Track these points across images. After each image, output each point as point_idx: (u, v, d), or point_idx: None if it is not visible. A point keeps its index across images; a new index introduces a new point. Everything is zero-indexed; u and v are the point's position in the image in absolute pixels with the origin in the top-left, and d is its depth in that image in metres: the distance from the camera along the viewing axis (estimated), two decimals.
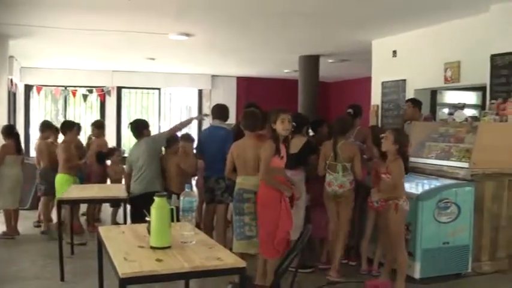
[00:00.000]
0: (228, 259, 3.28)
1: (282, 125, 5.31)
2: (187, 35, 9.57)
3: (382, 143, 5.56)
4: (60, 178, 7.76)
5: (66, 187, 7.25)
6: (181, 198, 3.60)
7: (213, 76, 16.95)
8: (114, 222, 8.23)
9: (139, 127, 6.65)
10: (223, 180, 6.49)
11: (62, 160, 7.78)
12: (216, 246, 3.59)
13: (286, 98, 14.40)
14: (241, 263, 3.24)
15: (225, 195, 6.60)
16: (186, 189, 3.64)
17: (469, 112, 8.24)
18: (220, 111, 7.01)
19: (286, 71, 14.96)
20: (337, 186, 5.98)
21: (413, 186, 6.17)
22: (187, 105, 17.55)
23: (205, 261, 3.19)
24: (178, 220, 3.65)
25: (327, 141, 6.21)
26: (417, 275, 5.83)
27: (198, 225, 5.73)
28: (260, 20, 8.53)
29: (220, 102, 7.43)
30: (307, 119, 7.13)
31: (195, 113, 17.16)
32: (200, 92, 17.31)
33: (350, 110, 7.22)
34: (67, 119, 14.49)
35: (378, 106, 10.02)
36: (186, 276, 3.17)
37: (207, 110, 16.39)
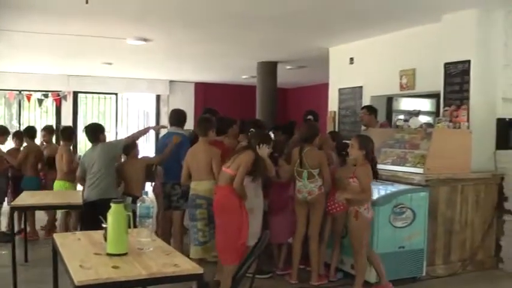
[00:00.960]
0: (186, 265, 3.27)
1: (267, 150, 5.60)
2: (145, 40, 9.50)
3: (349, 151, 5.62)
4: (59, 185, 7.64)
5: None
6: (138, 204, 3.58)
7: (171, 81, 16.85)
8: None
9: (95, 131, 6.54)
10: (179, 186, 6.48)
11: (65, 165, 7.67)
12: (173, 252, 3.57)
13: (244, 104, 14.47)
14: (199, 269, 3.24)
15: (181, 201, 6.59)
16: (143, 195, 3.62)
17: (424, 119, 8.40)
18: (176, 117, 6.99)
19: (244, 77, 14.97)
20: (306, 193, 6.00)
21: None
22: (145, 110, 17.40)
23: (162, 268, 3.18)
24: (135, 226, 3.62)
25: (295, 148, 6.24)
26: (373, 279, 5.91)
27: (155, 232, 5.72)
28: (218, 25, 8.53)
29: (177, 108, 7.38)
30: (265, 126, 7.15)
31: (152, 119, 17.06)
32: (158, 97, 17.15)
33: (310, 117, 7.26)
34: (22, 123, 14.20)
35: (335, 112, 10.12)
36: (143, 283, 3.14)
37: (164, 115, 16.33)
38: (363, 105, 8.69)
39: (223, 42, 9.98)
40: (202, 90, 17.19)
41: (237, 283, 3.69)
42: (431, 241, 6.42)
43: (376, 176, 5.61)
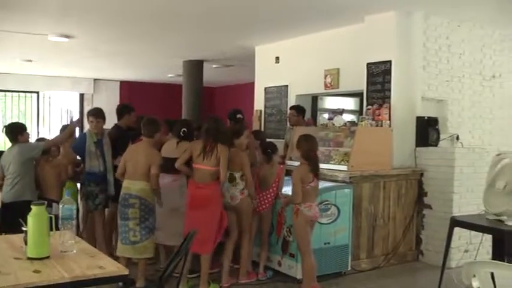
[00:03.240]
0: (111, 267, 3.21)
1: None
2: (68, 36, 9.24)
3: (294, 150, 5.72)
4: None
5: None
6: (60, 206, 3.48)
7: (96, 80, 16.51)
8: None
9: (14, 131, 6.32)
10: (84, 187, 6.56)
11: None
12: (98, 254, 3.50)
13: (170, 103, 14.34)
14: (124, 270, 3.19)
15: (89, 202, 6.58)
16: (66, 196, 3.53)
17: (348, 117, 8.58)
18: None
19: (170, 75, 14.86)
20: (229, 198, 5.92)
21: None
22: (68, 109, 16.91)
23: (86, 270, 3.11)
24: (57, 229, 3.52)
25: None
26: (299, 275, 5.98)
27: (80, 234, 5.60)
28: (142, 23, 8.41)
29: (97, 106, 7.23)
30: (193, 125, 7.07)
31: (76, 118, 16.58)
32: (82, 96, 16.76)
33: (240, 116, 7.27)
34: None
35: (260, 111, 10.19)
36: (66, 286, 3.05)
37: None
38: (290, 105, 8.74)
39: (148, 40, 9.85)
40: (128, 88, 16.95)
41: (163, 283, 3.65)
42: (356, 236, 6.59)
43: (315, 175, 5.55)
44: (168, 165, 6.05)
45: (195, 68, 12.05)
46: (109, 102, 14.47)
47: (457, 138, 7.65)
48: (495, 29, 8.23)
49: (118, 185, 6.08)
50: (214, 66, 12.62)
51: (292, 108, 8.32)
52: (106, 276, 3.12)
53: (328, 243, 6.21)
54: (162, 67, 13.54)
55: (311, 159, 5.50)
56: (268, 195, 6.15)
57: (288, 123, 8.47)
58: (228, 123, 7.05)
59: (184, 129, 6.23)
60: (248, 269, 6.25)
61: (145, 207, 5.61)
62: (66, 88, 16.22)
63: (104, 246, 6.42)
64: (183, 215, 5.97)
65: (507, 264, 3.54)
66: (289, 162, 7.05)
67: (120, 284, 3.29)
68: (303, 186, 5.42)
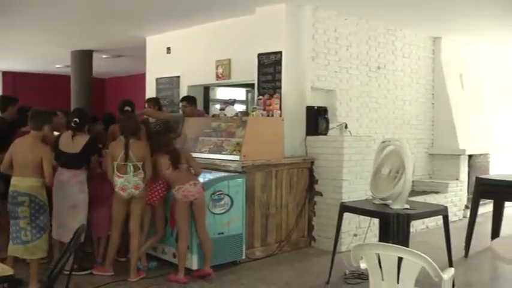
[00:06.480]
0: None
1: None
2: None
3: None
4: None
5: None
6: None
7: None
8: None
9: None
10: None
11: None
12: None
13: (58, 94, 13.85)
14: (8, 271, 3.03)
15: None
16: None
17: (240, 107, 8.64)
18: None
19: (58, 66, 14.33)
20: (132, 188, 5.74)
21: None
22: None
23: None
24: None
25: (114, 142, 6.00)
26: (195, 266, 5.97)
27: None
28: (27, 10, 8.01)
29: None
30: (89, 117, 6.81)
31: None
32: None
33: (128, 108, 7.09)
34: None
35: None
36: None
37: None
38: (181, 97, 8.67)
39: (33, 28, 9.43)
40: (11, 79, 16.21)
41: (53, 281, 3.50)
42: (249, 225, 6.65)
43: (173, 164, 5.79)
44: (65, 160, 5.85)
45: (83, 58, 11.74)
46: None
47: (346, 126, 7.94)
48: (379, 23, 8.61)
49: (8, 180, 5.71)
50: (104, 56, 12.31)
51: (182, 100, 8.20)
52: None
53: (222, 233, 6.23)
54: (49, 57, 13.03)
55: (170, 153, 5.80)
56: (158, 187, 6.07)
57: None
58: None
59: (76, 119, 5.97)
60: (143, 263, 6.16)
61: (35, 204, 5.28)
62: None
63: None
64: (82, 211, 5.85)
65: (391, 245, 3.72)
66: None
67: (5, 285, 3.11)
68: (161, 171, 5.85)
